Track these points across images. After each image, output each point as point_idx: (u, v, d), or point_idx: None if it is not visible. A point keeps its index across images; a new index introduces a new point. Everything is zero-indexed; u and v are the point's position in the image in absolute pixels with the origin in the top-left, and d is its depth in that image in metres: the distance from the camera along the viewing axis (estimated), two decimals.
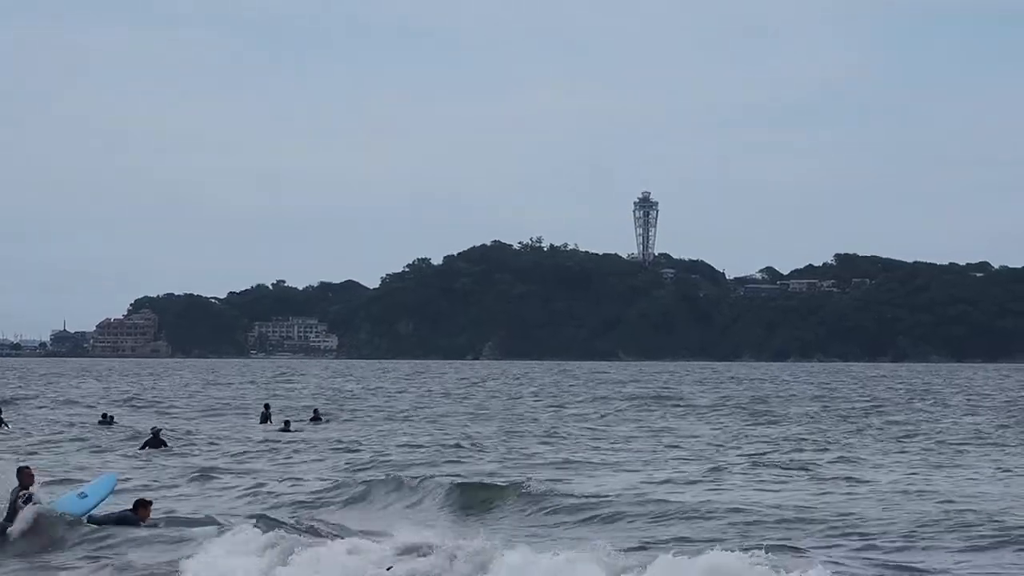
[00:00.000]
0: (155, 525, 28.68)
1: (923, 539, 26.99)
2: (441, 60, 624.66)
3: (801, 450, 51.26)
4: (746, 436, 60.27)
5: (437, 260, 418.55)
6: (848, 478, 38.95)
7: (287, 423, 67.54)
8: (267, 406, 78.14)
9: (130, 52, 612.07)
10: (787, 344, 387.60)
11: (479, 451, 50.80)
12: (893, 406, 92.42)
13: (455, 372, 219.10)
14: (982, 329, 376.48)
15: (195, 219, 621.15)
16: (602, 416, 79.30)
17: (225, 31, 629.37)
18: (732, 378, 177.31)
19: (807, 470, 41.61)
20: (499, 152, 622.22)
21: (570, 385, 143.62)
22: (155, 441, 52.66)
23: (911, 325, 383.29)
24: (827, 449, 51.47)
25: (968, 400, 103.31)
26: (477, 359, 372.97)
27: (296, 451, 51.85)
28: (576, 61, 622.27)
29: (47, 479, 33.59)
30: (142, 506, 29.14)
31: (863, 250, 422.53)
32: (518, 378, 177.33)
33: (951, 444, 54.38)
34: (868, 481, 38.20)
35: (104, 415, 72.36)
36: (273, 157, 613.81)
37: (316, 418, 74.09)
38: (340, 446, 53.83)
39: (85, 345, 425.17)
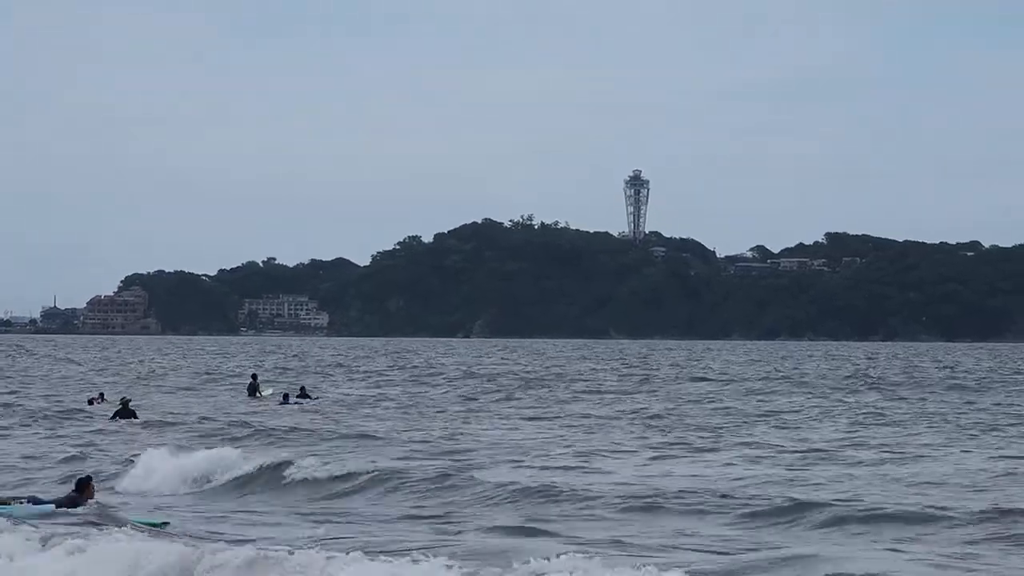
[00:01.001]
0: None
1: None
2: (433, 37, 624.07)
3: None
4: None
5: (428, 238, 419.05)
6: None
7: (286, 396, 67.09)
8: (255, 376, 77.71)
9: (121, 33, 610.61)
10: (777, 322, 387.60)
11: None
12: None
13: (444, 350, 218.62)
14: (972, 308, 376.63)
15: (186, 196, 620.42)
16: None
17: (214, 10, 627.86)
18: (813, 356, 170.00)
19: None
20: (490, 130, 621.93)
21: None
22: (124, 412, 52.54)
23: (901, 304, 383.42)
24: None
25: None
26: (468, 337, 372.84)
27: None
28: (569, 39, 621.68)
29: None
30: (85, 484, 28.00)
31: (854, 229, 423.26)
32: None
33: None
34: None
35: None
36: (264, 135, 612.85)
37: (303, 395, 72.30)
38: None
39: (75, 322, 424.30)
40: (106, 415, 53.86)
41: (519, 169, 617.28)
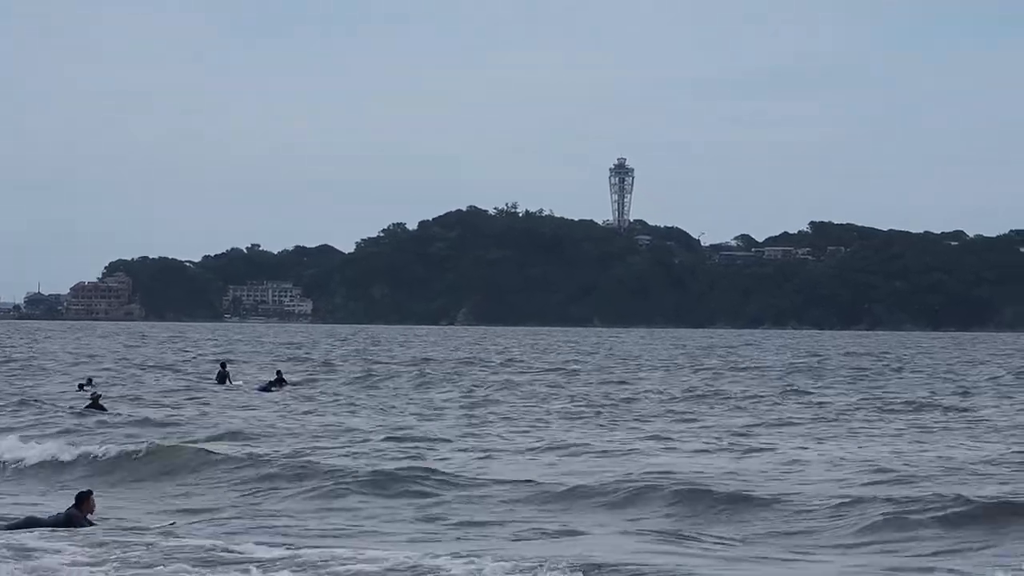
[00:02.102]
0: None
1: None
2: (419, 25, 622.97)
3: None
4: None
5: (412, 225, 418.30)
6: None
7: (270, 384, 66.86)
8: (223, 364, 77.33)
9: (111, 17, 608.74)
10: (762, 311, 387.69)
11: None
12: None
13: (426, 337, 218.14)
14: (957, 298, 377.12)
15: (170, 182, 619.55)
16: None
17: None
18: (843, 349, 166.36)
19: None
20: (475, 117, 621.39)
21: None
22: (94, 406, 51.76)
23: (886, 293, 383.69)
24: None
25: None
26: (452, 324, 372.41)
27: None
28: (554, 28, 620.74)
29: None
30: (84, 499, 26.57)
31: (838, 218, 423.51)
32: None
33: None
34: None
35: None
36: (249, 121, 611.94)
37: (280, 380, 71.68)
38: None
39: (59, 308, 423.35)
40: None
41: (504, 157, 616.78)
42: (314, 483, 31.04)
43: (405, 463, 33.36)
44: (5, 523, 26.57)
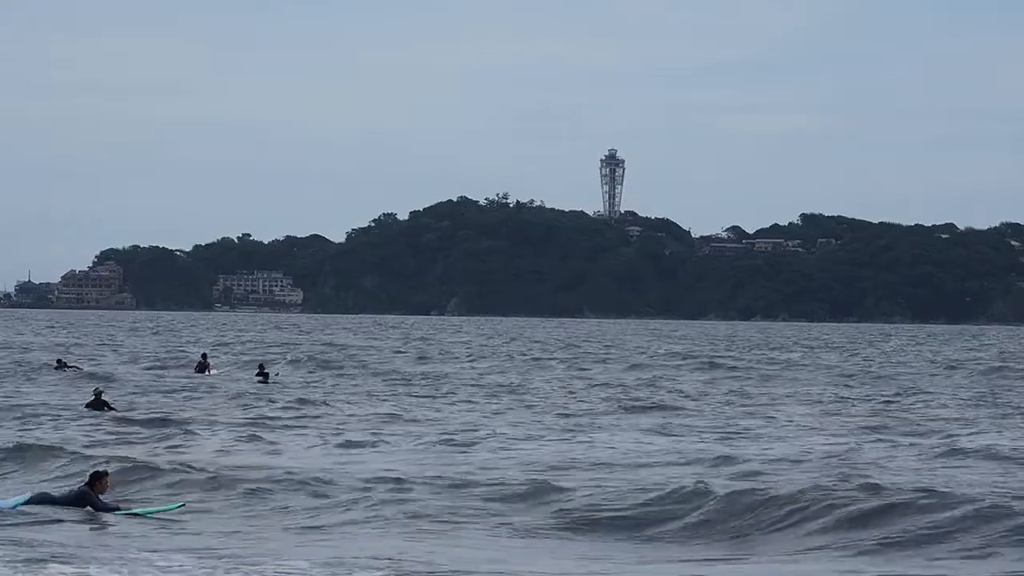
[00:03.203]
0: (115, 506, 26.79)
1: None
2: (410, 11, 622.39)
3: None
4: None
5: (403, 215, 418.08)
6: None
7: (267, 374, 66.85)
8: (204, 356, 78.03)
9: (101, 3, 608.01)
10: (752, 303, 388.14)
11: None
12: None
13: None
14: (947, 291, 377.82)
15: (162, 171, 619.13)
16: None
17: None
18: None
19: None
20: (466, 107, 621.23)
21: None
22: (97, 403, 48.78)
23: (876, 285, 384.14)
24: None
25: None
26: (442, 315, 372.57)
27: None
28: (547, 17, 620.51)
29: None
30: (98, 479, 26.97)
31: (829, 210, 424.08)
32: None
33: None
34: None
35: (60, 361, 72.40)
36: (240, 110, 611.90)
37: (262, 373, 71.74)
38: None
39: (50, 296, 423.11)
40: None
41: (494, 148, 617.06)
42: None
43: None
44: (15, 497, 27.11)
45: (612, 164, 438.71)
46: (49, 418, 45.25)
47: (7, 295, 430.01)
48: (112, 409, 48.15)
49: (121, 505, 27.09)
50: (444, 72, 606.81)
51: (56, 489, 28.10)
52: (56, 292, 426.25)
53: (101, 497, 26.69)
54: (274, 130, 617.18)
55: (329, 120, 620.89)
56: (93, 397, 49.87)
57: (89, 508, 26.52)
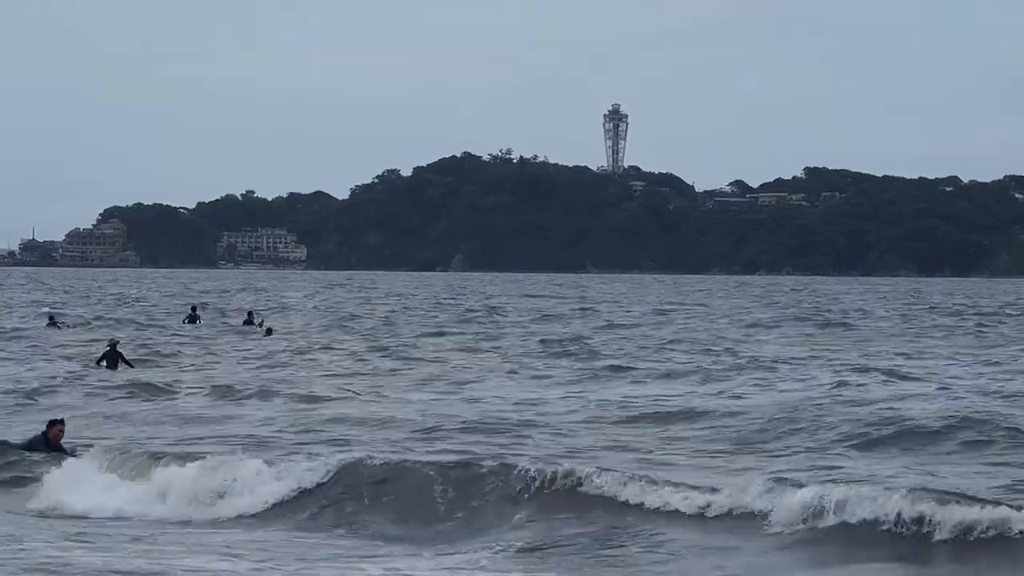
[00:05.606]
0: (72, 451, 26.35)
1: None
2: None
3: None
4: None
5: (406, 171, 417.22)
6: None
7: (269, 329, 66.65)
8: (194, 308, 78.31)
9: None
10: (756, 257, 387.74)
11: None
12: None
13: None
14: (951, 243, 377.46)
15: (166, 128, 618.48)
16: None
17: None
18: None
19: None
20: (469, 63, 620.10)
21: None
22: (112, 355, 45.83)
23: (880, 239, 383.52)
24: None
25: None
26: (446, 271, 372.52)
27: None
28: None
29: None
30: (51, 425, 26.87)
31: (833, 164, 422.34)
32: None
33: None
34: None
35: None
36: (243, 67, 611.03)
37: (249, 321, 72.34)
38: None
39: (54, 254, 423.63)
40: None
41: (498, 103, 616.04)
42: None
43: None
44: None
45: (615, 119, 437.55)
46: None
47: (11, 253, 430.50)
48: (129, 365, 45.40)
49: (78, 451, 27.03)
50: (450, 29, 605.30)
51: (15, 438, 28.01)
52: (60, 250, 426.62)
53: (62, 444, 26.59)
54: (277, 87, 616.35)
55: (332, 77, 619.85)
56: (108, 348, 46.67)
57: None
